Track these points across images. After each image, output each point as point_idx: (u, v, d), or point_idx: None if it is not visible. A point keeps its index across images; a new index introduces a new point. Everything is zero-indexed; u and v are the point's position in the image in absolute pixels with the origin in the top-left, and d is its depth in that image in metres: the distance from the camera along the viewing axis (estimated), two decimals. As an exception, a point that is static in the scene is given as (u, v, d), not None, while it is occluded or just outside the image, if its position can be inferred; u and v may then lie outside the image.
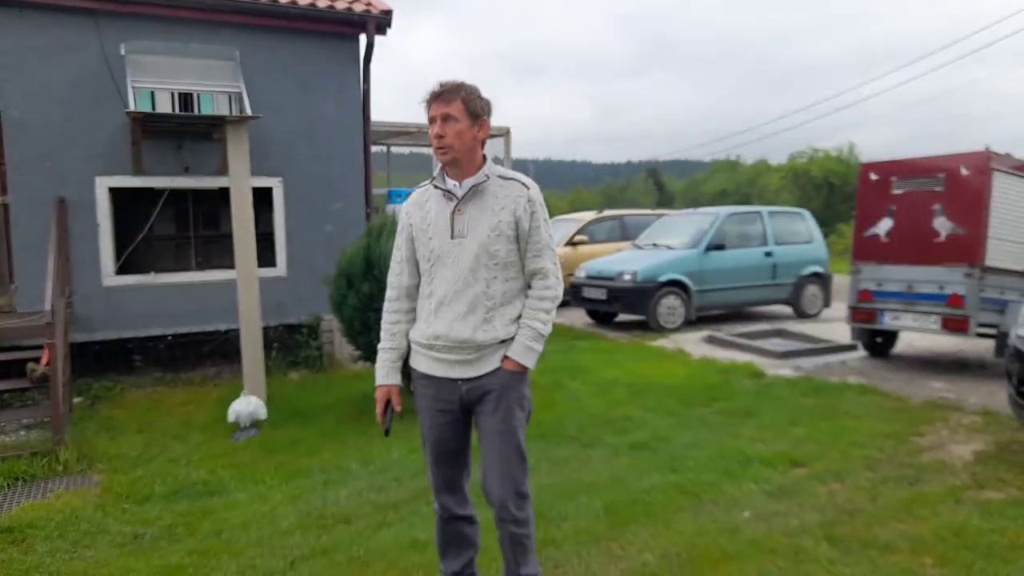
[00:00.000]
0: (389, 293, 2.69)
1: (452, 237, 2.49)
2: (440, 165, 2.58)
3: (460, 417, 2.59)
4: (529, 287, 2.59)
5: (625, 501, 3.99)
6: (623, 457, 4.81)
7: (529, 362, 2.52)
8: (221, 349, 7.54)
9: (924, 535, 3.52)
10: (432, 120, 2.48)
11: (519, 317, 2.54)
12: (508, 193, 2.52)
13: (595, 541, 3.52)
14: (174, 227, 8.54)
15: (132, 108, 6.43)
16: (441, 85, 2.48)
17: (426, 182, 2.64)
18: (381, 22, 7.82)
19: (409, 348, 2.66)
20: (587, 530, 3.63)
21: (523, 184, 2.55)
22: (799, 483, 4.28)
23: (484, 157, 2.57)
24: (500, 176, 2.55)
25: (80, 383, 6.74)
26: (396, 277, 2.66)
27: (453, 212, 2.51)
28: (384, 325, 2.68)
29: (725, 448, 4.93)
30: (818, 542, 3.45)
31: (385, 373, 2.64)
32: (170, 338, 7.37)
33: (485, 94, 2.52)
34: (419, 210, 2.60)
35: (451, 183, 2.53)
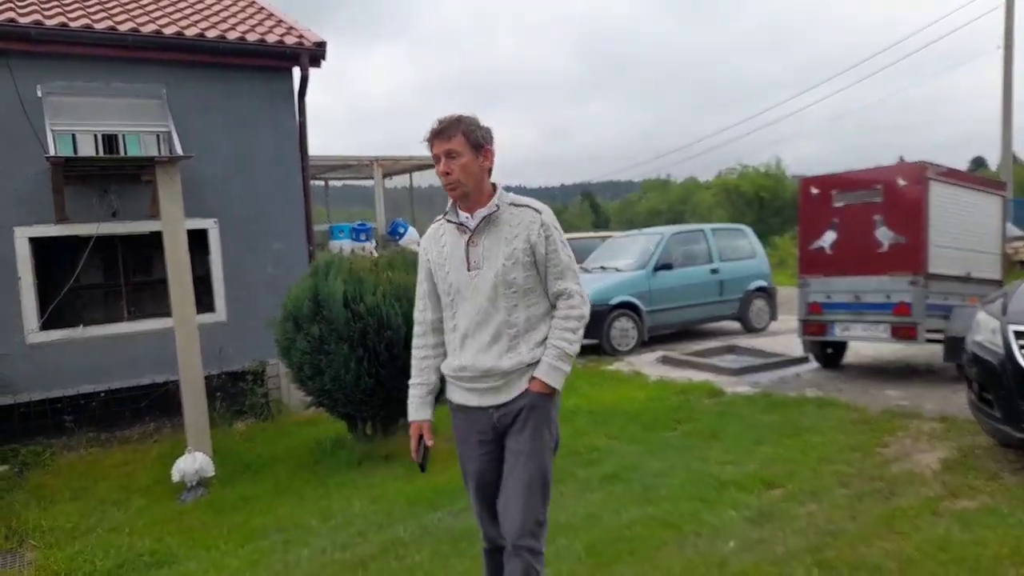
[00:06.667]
0: (416, 329, 2.70)
1: (468, 269, 2.51)
2: (451, 199, 2.56)
3: (497, 446, 2.58)
4: (555, 307, 2.57)
5: (605, 540, 3.83)
6: (596, 491, 4.65)
7: (555, 382, 2.50)
8: (159, 403, 7.11)
9: (910, 552, 3.46)
10: (436, 158, 2.48)
11: (545, 340, 2.53)
12: (521, 220, 2.52)
13: (580, 587, 3.35)
14: (102, 275, 8.06)
15: (52, 153, 6.04)
16: (440, 122, 2.48)
17: (440, 216, 2.65)
18: (315, 54, 7.62)
19: (442, 382, 2.67)
20: (571, 575, 3.45)
21: (535, 209, 2.56)
22: (777, 506, 4.19)
23: (494, 186, 2.57)
24: (511, 203, 2.56)
25: (5, 449, 6.23)
26: (421, 313, 2.68)
27: (467, 244, 2.53)
28: (413, 361, 2.70)
29: (696, 473, 4.82)
30: (808, 569, 3.35)
31: (416, 408, 2.66)
32: (103, 395, 6.91)
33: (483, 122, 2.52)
34: (435, 245, 2.62)
35: (463, 215, 2.55)
